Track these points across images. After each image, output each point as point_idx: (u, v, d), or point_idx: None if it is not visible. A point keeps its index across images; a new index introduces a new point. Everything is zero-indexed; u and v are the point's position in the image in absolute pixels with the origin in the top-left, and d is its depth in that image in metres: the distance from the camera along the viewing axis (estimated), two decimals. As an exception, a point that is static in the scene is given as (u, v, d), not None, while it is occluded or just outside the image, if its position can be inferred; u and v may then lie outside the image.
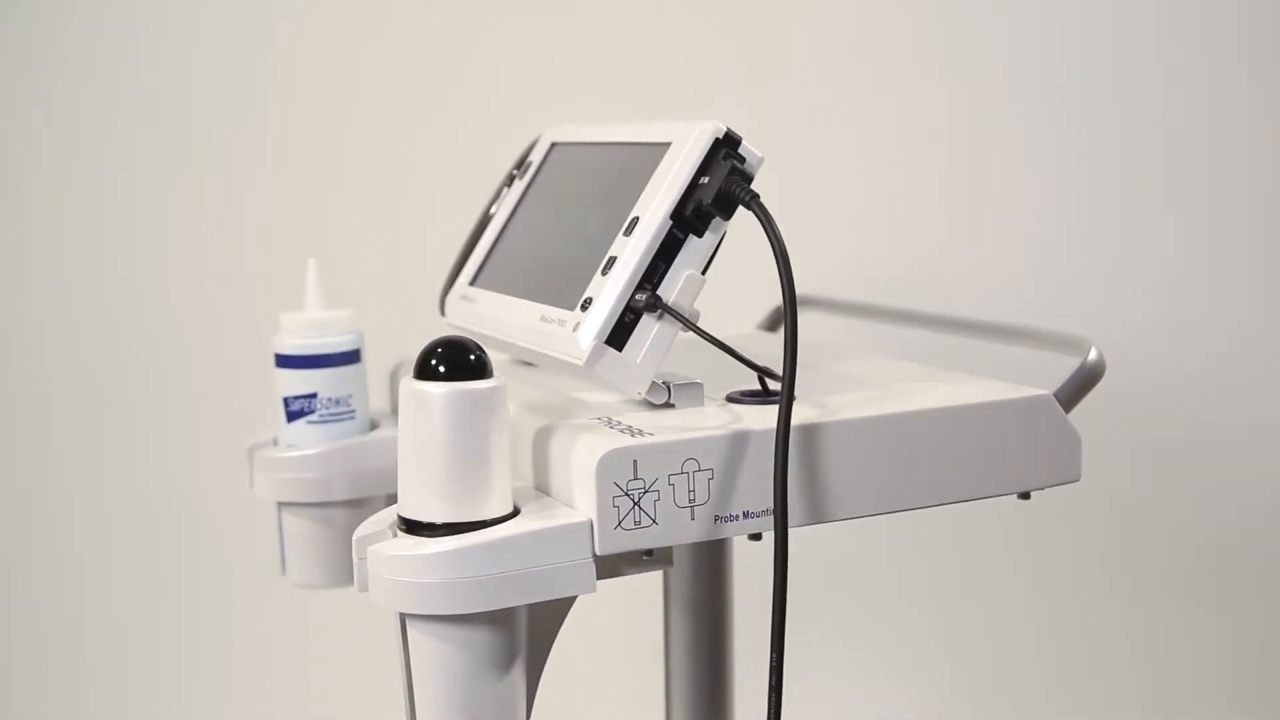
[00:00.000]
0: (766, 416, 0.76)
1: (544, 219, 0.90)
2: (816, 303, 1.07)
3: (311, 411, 0.92)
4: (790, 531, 0.73)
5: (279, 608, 1.49)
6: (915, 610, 1.49)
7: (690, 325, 0.76)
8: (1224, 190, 1.36)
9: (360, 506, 0.94)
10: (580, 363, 0.76)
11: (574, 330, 0.77)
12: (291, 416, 0.93)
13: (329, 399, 0.92)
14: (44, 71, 1.53)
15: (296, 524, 0.94)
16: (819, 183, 1.36)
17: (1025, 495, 0.83)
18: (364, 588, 0.72)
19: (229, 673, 1.62)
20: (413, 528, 0.72)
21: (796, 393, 0.79)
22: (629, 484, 0.71)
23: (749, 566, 0.99)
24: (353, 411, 0.94)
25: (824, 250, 1.23)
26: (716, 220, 0.77)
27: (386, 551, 0.70)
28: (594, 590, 0.72)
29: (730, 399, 0.81)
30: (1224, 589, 1.43)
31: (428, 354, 0.72)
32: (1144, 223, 1.37)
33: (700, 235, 0.78)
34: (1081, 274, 1.38)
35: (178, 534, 1.59)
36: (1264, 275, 1.37)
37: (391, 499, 0.96)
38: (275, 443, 0.95)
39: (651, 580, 1.01)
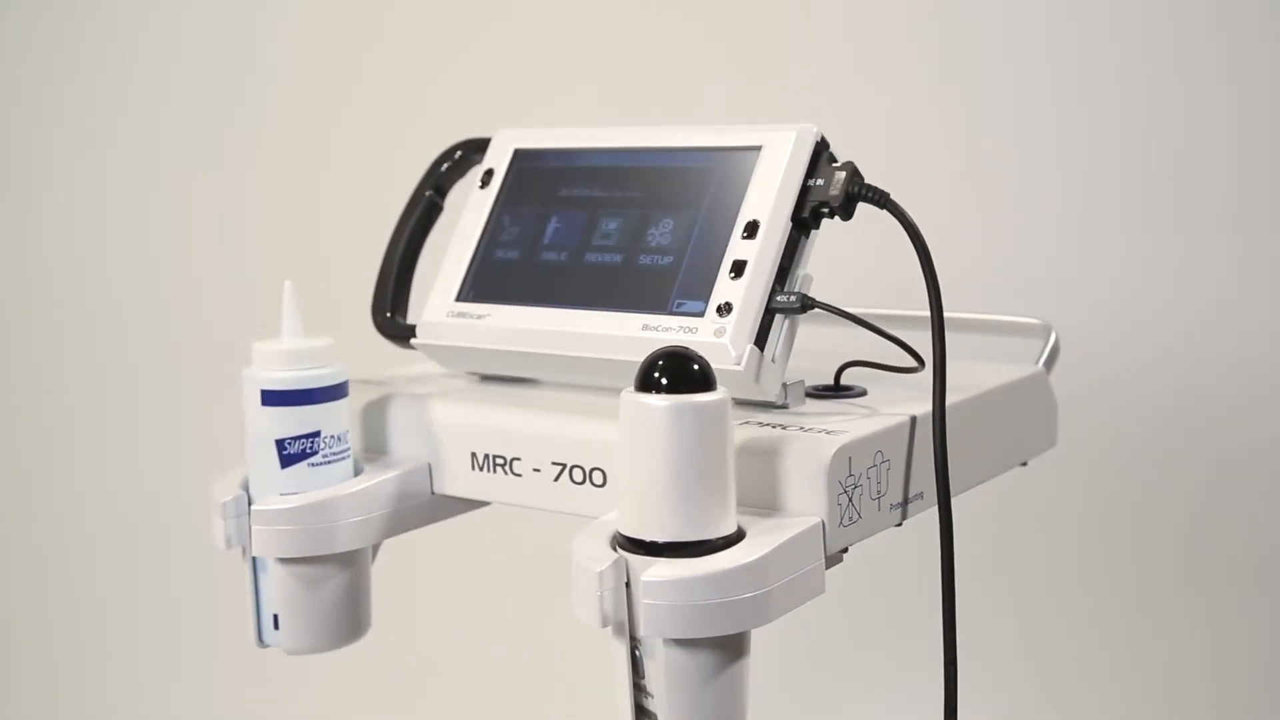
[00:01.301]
0: (901, 405, 0.79)
1: (565, 226, 0.86)
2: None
3: (314, 452, 0.81)
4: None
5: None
6: (911, 609, 1.43)
7: (851, 317, 0.78)
8: (1200, 191, 1.33)
9: (352, 561, 0.84)
10: (738, 368, 0.75)
11: (716, 336, 0.76)
12: (289, 460, 0.80)
13: (332, 437, 0.82)
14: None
15: (292, 583, 0.82)
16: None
17: (1024, 463, 0.92)
18: (608, 622, 0.66)
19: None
20: (654, 549, 0.67)
21: (872, 393, 0.83)
22: (845, 480, 0.72)
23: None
24: (349, 450, 0.83)
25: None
26: (823, 220, 0.79)
27: (673, 575, 0.65)
28: (824, 591, 0.72)
29: (808, 394, 0.83)
30: (1210, 580, 1.37)
31: (650, 366, 0.68)
32: (1117, 222, 1.34)
33: (807, 235, 0.79)
34: (1045, 271, 1.36)
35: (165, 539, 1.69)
36: (1237, 272, 1.33)
37: (376, 546, 0.88)
38: (246, 490, 0.82)
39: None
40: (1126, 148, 1.31)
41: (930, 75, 1.38)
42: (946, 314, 0.99)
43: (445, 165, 0.94)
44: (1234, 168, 1.28)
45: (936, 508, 0.77)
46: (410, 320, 0.93)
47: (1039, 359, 0.94)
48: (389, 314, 0.92)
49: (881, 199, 0.78)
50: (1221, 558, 1.33)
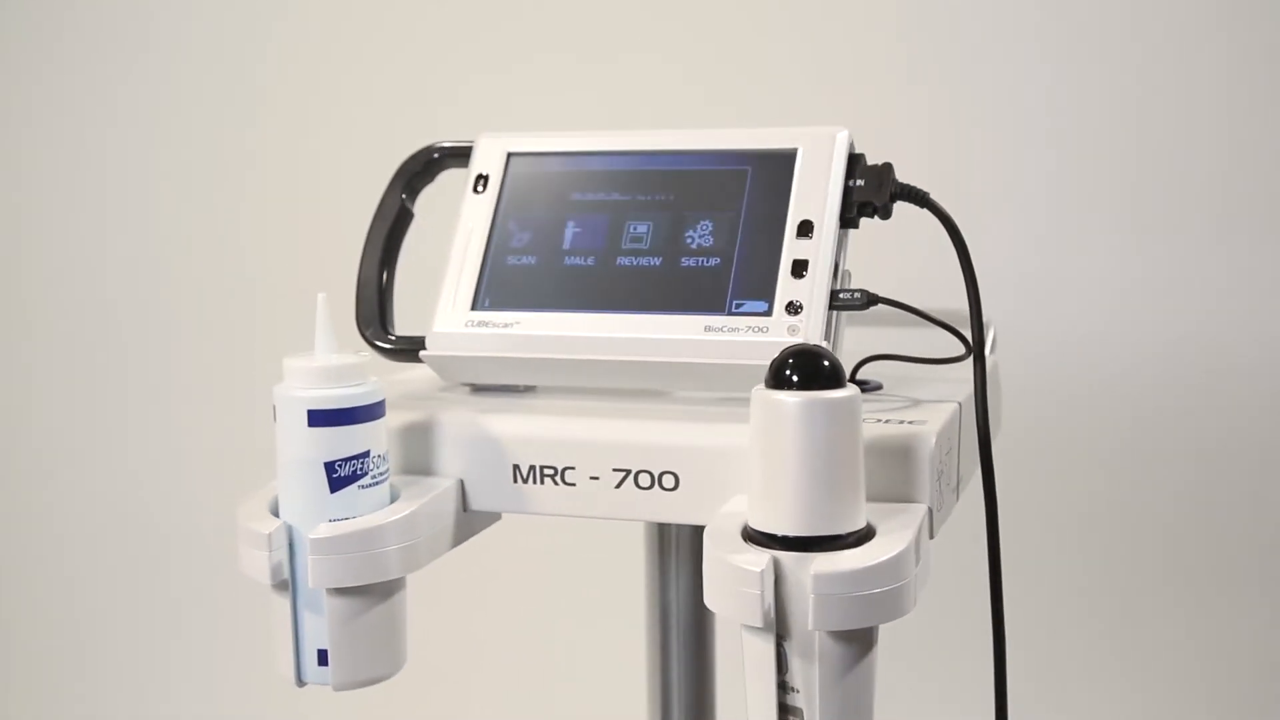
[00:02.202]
0: (929, 396, 0.83)
1: (586, 230, 0.84)
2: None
3: (364, 474, 0.76)
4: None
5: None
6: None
7: (913, 310, 0.81)
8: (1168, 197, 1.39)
9: (399, 586, 0.80)
10: (815, 364, 0.77)
11: (790, 334, 0.77)
12: (340, 483, 0.75)
13: (379, 457, 0.77)
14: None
15: (348, 615, 0.76)
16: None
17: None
18: (769, 619, 0.66)
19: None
20: (789, 544, 0.68)
21: (892, 388, 0.87)
22: (938, 467, 0.75)
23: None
24: (389, 470, 0.79)
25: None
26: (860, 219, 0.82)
27: (843, 568, 0.65)
28: (931, 577, 0.74)
29: None
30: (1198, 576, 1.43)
31: (780, 364, 0.68)
32: (1104, 224, 1.38)
33: (847, 234, 0.82)
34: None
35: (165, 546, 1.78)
36: (1227, 273, 1.38)
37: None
38: (278, 515, 0.76)
39: (638, 572, 1.02)
40: (1111, 150, 1.38)
41: (924, 76, 1.41)
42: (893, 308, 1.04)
43: (418, 169, 0.91)
44: (1221, 171, 1.36)
45: (981, 493, 0.81)
46: (397, 331, 0.89)
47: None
48: (383, 327, 0.88)
49: (922, 198, 0.81)
50: (1213, 550, 1.40)
